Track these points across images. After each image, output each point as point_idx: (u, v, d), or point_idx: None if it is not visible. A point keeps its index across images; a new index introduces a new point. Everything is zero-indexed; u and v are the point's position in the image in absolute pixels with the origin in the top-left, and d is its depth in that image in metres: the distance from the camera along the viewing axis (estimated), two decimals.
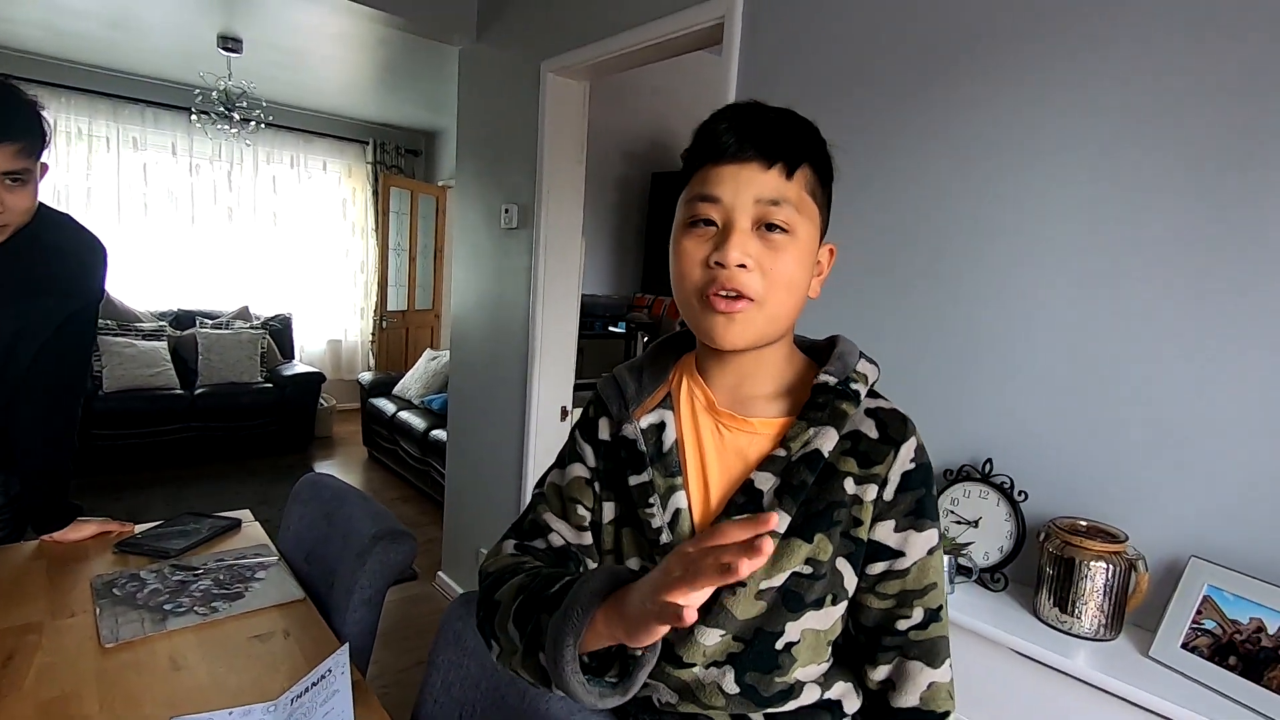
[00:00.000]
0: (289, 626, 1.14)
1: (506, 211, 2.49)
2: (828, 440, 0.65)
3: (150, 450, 4.25)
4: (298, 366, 5.02)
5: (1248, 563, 0.93)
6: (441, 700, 0.97)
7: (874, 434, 0.67)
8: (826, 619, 0.66)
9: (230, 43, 3.74)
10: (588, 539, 0.76)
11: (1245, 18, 0.94)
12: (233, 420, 4.52)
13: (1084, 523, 1.05)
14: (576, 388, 2.57)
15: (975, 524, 1.18)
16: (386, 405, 4.50)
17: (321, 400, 5.06)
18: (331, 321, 5.96)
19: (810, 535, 0.64)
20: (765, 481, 0.65)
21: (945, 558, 0.69)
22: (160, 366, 4.39)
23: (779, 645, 0.65)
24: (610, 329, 3.27)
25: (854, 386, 0.67)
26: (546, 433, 2.48)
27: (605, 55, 2.05)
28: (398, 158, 5.96)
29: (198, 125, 4.26)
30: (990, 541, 1.16)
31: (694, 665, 0.66)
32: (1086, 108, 1.10)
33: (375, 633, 1.27)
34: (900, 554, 0.66)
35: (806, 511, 0.65)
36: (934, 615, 0.66)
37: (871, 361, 0.72)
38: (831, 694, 0.69)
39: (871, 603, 0.67)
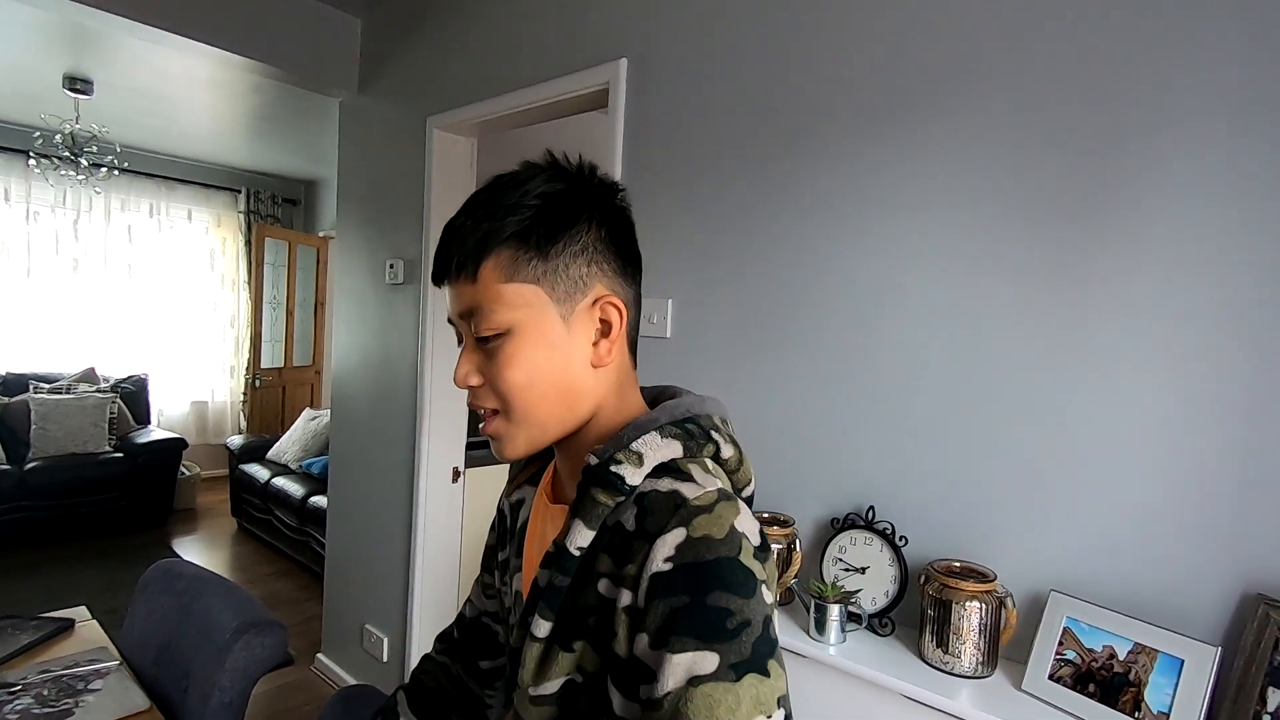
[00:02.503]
0: None
1: (391, 267, 2.40)
2: (577, 535, 0.57)
3: None
4: (154, 433, 4.55)
5: (1102, 595, 1.01)
6: None
7: (631, 525, 0.55)
8: None
9: (79, 84, 3.45)
10: (494, 605, 0.78)
11: (1070, 85, 1.08)
12: (73, 496, 4.00)
13: (958, 564, 1.11)
14: (469, 446, 2.48)
15: (863, 571, 1.23)
16: (260, 471, 4.15)
17: (183, 469, 4.60)
18: (196, 381, 5.47)
19: (569, 644, 0.57)
20: (544, 579, 0.59)
21: (761, 684, 0.50)
22: None
23: None
24: None
25: (615, 469, 0.56)
26: (438, 495, 2.36)
27: (493, 114, 2.06)
28: (274, 207, 5.65)
29: (36, 170, 3.85)
30: (877, 587, 1.20)
31: None
32: (939, 168, 1.21)
33: None
34: (654, 678, 0.50)
35: (568, 616, 0.57)
36: None
37: (685, 431, 0.60)
38: None
39: None
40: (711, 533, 0.52)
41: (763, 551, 0.54)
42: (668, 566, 0.52)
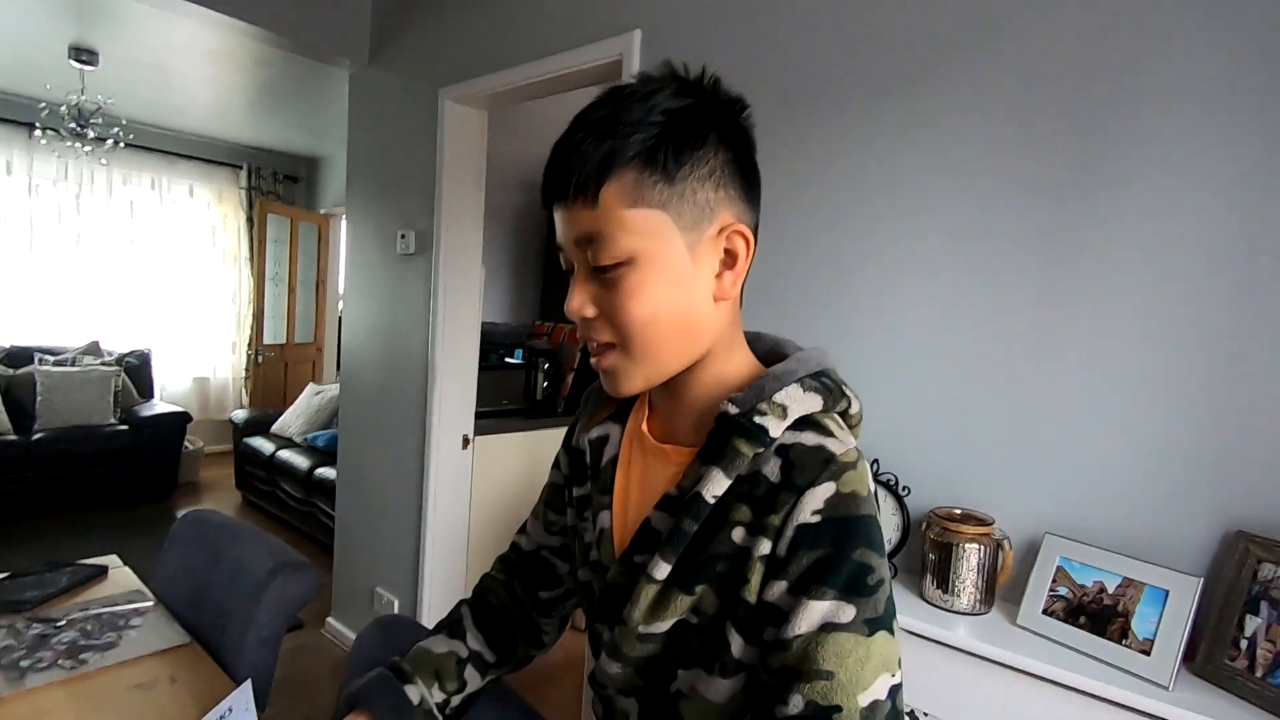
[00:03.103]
0: (175, 673, 1.05)
1: (403, 237, 2.44)
2: (714, 483, 0.55)
3: None
4: (158, 406, 4.58)
5: (1090, 534, 1.08)
6: None
7: (775, 477, 0.55)
8: (718, 691, 0.56)
9: (84, 55, 3.45)
10: (557, 541, 0.80)
11: (1078, 61, 1.13)
12: (79, 468, 4.04)
13: (959, 510, 1.18)
14: (478, 415, 2.53)
15: None
16: (264, 445, 4.19)
17: (186, 443, 4.63)
18: (198, 357, 5.49)
19: (691, 587, 0.56)
20: (662, 522, 0.59)
21: (889, 644, 0.50)
22: None
23: (671, 691, 0.58)
24: (507, 360, 3.25)
25: (759, 420, 0.55)
26: (448, 463, 2.41)
27: (506, 86, 2.09)
28: (275, 184, 5.65)
29: (42, 142, 3.85)
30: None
31: (607, 688, 0.65)
32: (944, 135, 1.26)
33: (273, 678, 1.19)
34: (786, 620, 0.51)
35: (690, 561, 0.57)
36: (822, 714, 0.48)
37: (824, 385, 0.58)
38: None
39: (761, 678, 0.53)
40: (858, 490, 0.53)
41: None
42: (816, 519, 0.52)
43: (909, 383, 1.30)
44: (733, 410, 0.56)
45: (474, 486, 2.54)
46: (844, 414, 0.60)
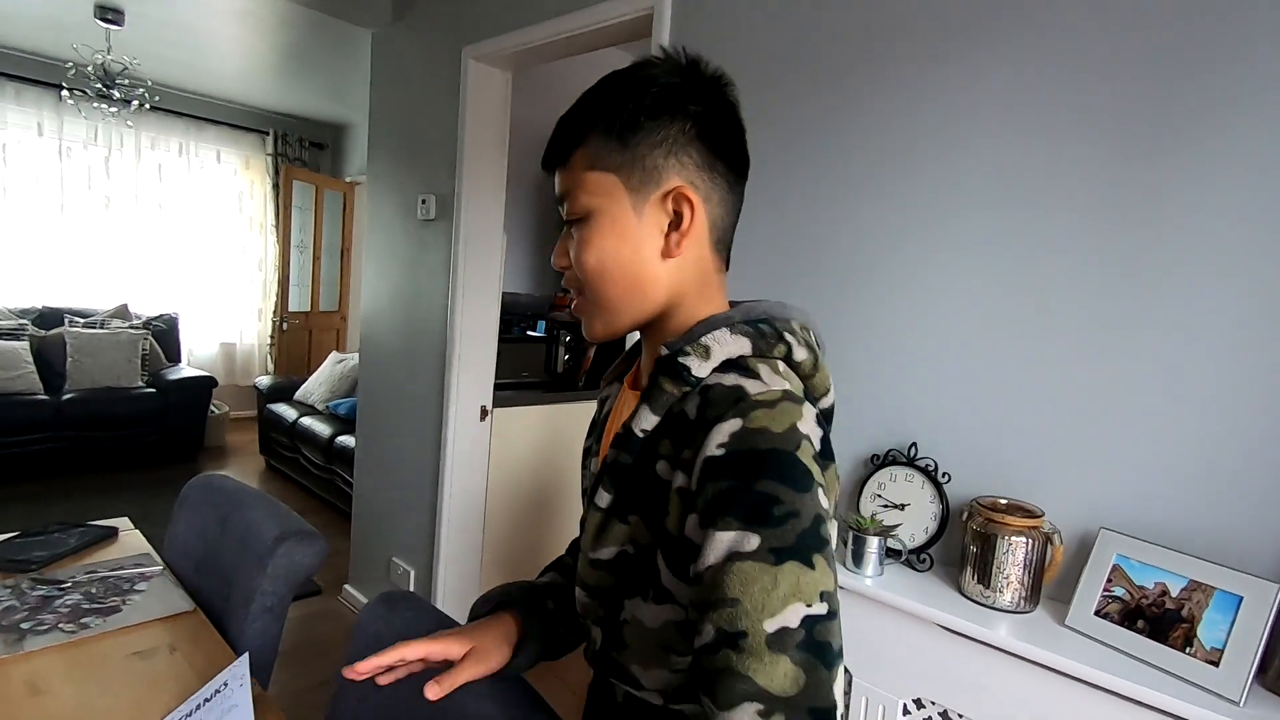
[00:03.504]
0: (175, 641, 1.01)
1: (424, 202, 2.38)
2: (643, 419, 0.60)
3: (7, 462, 3.79)
4: (185, 370, 4.63)
5: (1152, 531, 0.99)
6: (358, 714, 0.89)
7: (693, 414, 0.57)
8: (650, 616, 0.59)
9: (110, 13, 3.42)
10: None
11: (1153, 7, 1.01)
12: (108, 429, 4.10)
13: (1004, 501, 1.09)
14: (497, 386, 2.48)
15: (902, 508, 1.21)
16: (287, 411, 4.21)
17: (212, 407, 4.68)
18: (225, 322, 5.54)
19: (626, 517, 0.61)
20: (612, 456, 0.63)
21: (803, 573, 0.49)
22: (20, 369, 3.93)
23: (620, 619, 0.63)
24: (529, 333, 3.19)
25: (683, 360, 0.59)
26: (466, 434, 2.37)
27: (530, 43, 2.00)
28: (301, 150, 5.63)
29: (70, 103, 3.85)
30: (917, 524, 1.19)
31: (585, 618, 0.69)
32: (1002, 94, 1.15)
33: (278, 646, 1.15)
34: (699, 554, 0.52)
35: (627, 492, 0.61)
36: (729, 640, 0.48)
37: (757, 330, 0.61)
38: (679, 709, 0.61)
39: (689, 616, 0.56)
40: (769, 426, 0.53)
41: (824, 458, 0.55)
42: (720, 452, 0.53)
43: (952, 362, 1.21)
44: (664, 351, 0.61)
45: (491, 459, 2.50)
46: (789, 361, 0.62)
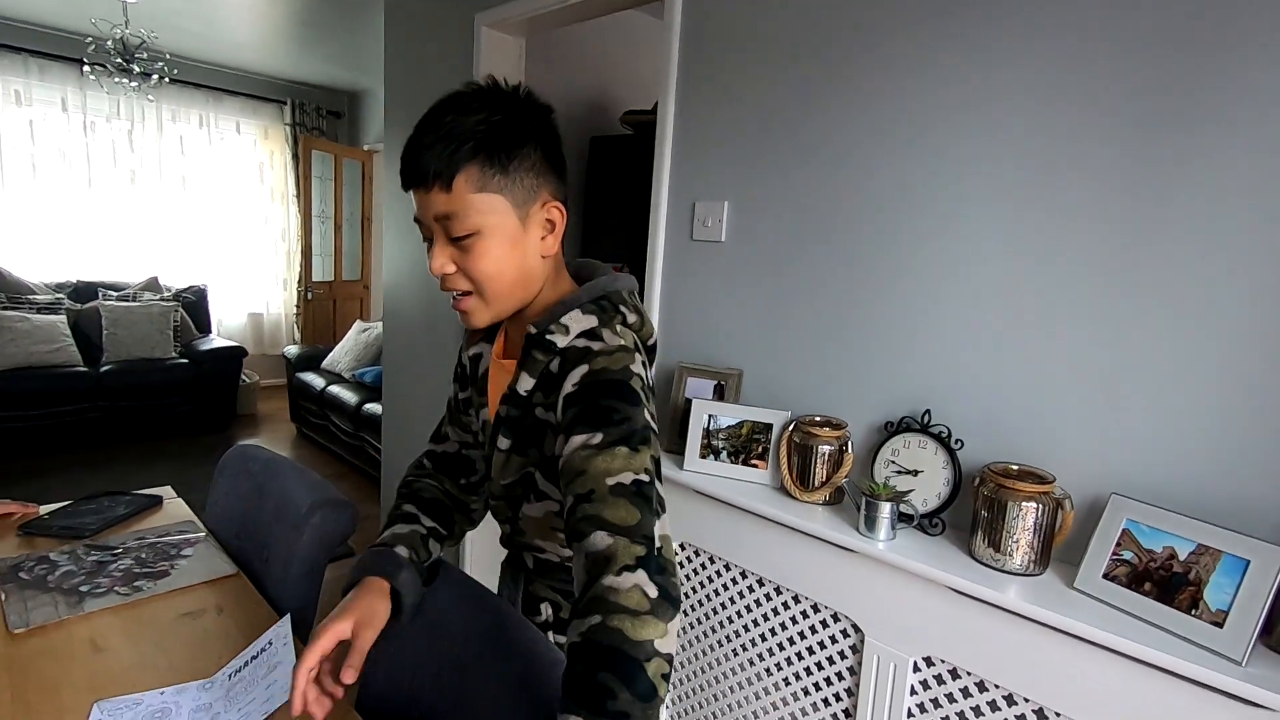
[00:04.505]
0: (222, 602, 1.08)
1: None
2: (524, 383, 0.79)
3: (51, 432, 3.95)
4: (215, 341, 4.74)
5: (1162, 497, 1.00)
6: (393, 668, 0.95)
7: (556, 370, 0.77)
8: (538, 511, 0.86)
9: None
10: (472, 438, 0.99)
11: None
12: (145, 399, 4.24)
13: (1016, 466, 1.11)
14: None
15: (915, 474, 1.23)
16: (315, 380, 4.31)
17: (243, 377, 4.81)
18: (252, 293, 5.64)
19: (525, 451, 0.83)
20: (503, 412, 0.82)
21: (632, 455, 0.68)
22: (59, 342, 4.06)
23: (520, 514, 0.88)
24: None
25: (550, 338, 0.76)
26: None
27: (544, 9, 1.98)
28: (319, 119, 5.63)
29: (91, 78, 3.89)
30: (929, 489, 1.21)
31: (498, 516, 0.94)
32: (1011, 64, 1.13)
33: (317, 607, 1.22)
34: (562, 453, 0.71)
35: (520, 435, 0.82)
36: (584, 498, 0.67)
37: (600, 307, 0.79)
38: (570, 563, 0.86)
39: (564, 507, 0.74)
40: (609, 366, 0.73)
41: (649, 391, 0.76)
42: (574, 389, 0.73)
43: (966, 330, 1.21)
44: (533, 331, 0.78)
45: None
46: (625, 324, 0.79)
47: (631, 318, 0.81)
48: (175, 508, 1.45)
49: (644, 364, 0.77)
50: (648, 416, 0.72)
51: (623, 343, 0.76)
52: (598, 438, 0.69)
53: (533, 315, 0.82)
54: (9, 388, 3.78)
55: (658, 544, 0.64)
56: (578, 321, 0.77)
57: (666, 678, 0.60)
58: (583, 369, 0.74)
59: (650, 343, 0.85)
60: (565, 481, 0.70)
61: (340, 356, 4.46)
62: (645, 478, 0.68)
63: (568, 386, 0.73)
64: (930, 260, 1.25)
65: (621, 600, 0.60)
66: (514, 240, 0.76)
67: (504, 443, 0.83)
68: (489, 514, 1.00)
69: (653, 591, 0.61)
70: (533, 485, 0.84)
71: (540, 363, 0.78)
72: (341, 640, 0.75)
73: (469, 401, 0.95)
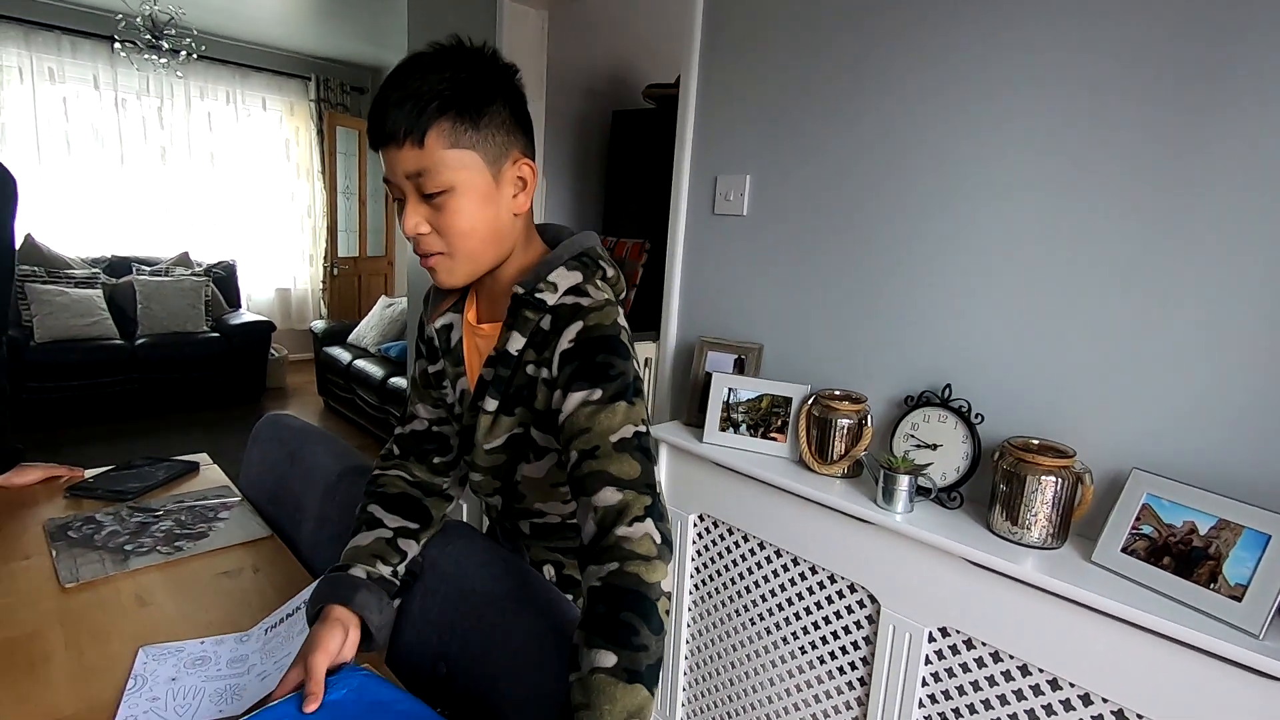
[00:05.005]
0: (257, 563, 1.12)
1: None
2: (514, 342, 0.80)
3: (89, 402, 4.09)
4: (245, 315, 4.84)
5: (1184, 472, 0.99)
6: (419, 625, 0.98)
7: (547, 327, 0.78)
8: (538, 469, 0.86)
9: None
10: (444, 413, 0.98)
11: None
12: (178, 371, 4.36)
13: (1036, 441, 1.10)
14: None
15: (934, 448, 1.23)
16: (341, 354, 4.39)
17: (272, 350, 4.91)
18: (279, 269, 5.73)
19: (512, 411, 0.83)
20: (489, 375, 0.83)
21: (630, 408, 0.72)
22: (96, 315, 4.18)
23: (515, 480, 0.89)
24: None
25: (539, 295, 0.78)
26: None
27: None
28: (343, 95, 5.66)
29: (122, 55, 3.94)
30: (948, 463, 1.21)
31: (479, 493, 0.95)
32: (1043, 40, 1.10)
33: None
34: (562, 410, 0.74)
35: (508, 395, 0.82)
36: (589, 454, 0.70)
37: (583, 263, 0.81)
38: (573, 520, 0.90)
39: (563, 459, 0.77)
40: (601, 322, 0.76)
41: (631, 341, 0.79)
42: (570, 345, 0.75)
43: (987, 305, 1.20)
44: (520, 290, 0.79)
45: None
46: (604, 278, 0.82)
47: (610, 271, 0.84)
48: (211, 473, 1.50)
49: (624, 318, 0.80)
50: (635, 368, 0.76)
51: (607, 297, 0.79)
52: (597, 394, 0.72)
53: (506, 276, 0.83)
54: (50, 359, 3.90)
55: (658, 490, 0.70)
56: (564, 278, 0.79)
57: (669, 613, 0.67)
58: (577, 325, 0.75)
59: (622, 297, 0.87)
60: (568, 438, 0.72)
61: (366, 331, 4.53)
62: (643, 428, 0.72)
63: (564, 343, 0.75)
64: (958, 239, 1.24)
65: (634, 548, 0.65)
66: (487, 197, 0.75)
67: (490, 404, 0.83)
68: (469, 492, 0.99)
69: (657, 538, 0.67)
70: (530, 444, 0.85)
71: (530, 321, 0.79)
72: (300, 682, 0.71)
73: (441, 374, 0.94)
